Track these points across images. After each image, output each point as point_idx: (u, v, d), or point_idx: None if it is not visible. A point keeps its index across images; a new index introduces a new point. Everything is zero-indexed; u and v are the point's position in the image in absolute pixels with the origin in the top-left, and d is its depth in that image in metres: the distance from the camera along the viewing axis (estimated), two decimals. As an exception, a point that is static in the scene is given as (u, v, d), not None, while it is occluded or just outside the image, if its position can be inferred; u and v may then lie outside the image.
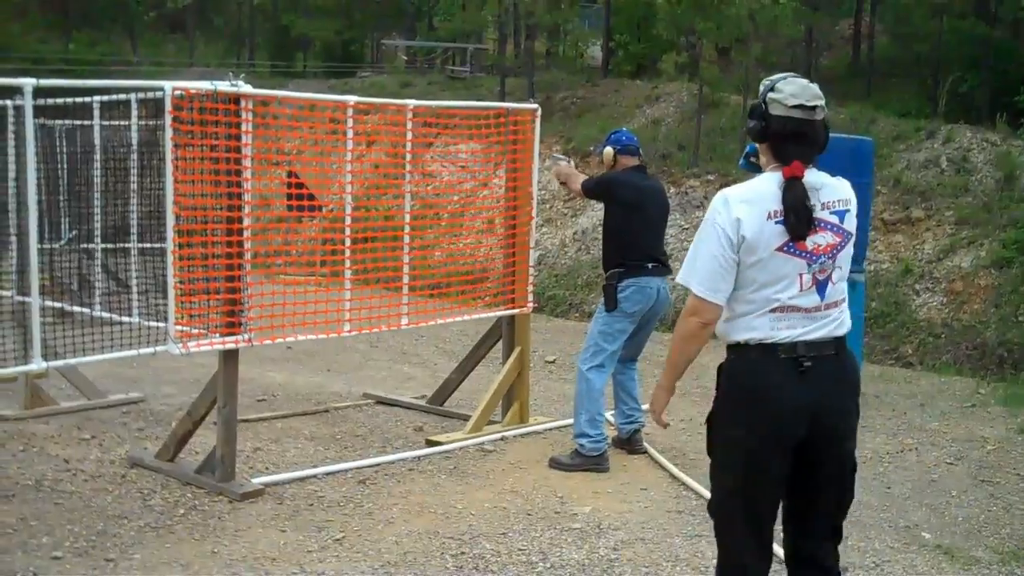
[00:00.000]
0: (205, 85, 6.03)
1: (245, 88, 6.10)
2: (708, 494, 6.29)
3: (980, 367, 11.19)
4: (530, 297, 8.00)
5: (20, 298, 7.58)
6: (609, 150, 7.23)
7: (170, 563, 5.13)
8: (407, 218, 7.50)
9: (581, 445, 6.88)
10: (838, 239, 3.56)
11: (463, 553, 5.39)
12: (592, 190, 7.32)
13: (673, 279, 7.21)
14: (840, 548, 5.64)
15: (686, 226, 15.15)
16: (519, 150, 7.93)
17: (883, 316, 12.31)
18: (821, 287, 3.54)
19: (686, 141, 17.14)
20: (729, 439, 3.56)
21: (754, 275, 3.49)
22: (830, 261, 3.55)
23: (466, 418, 7.80)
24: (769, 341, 3.50)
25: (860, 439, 8.06)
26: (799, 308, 3.51)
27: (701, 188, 15.50)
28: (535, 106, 7.99)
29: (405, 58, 34.00)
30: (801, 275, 3.51)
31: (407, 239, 7.53)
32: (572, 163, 7.80)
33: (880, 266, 13.07)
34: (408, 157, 7.45)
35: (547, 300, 14.53)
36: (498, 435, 7.59)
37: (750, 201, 3.48)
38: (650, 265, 6.99)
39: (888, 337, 12.03)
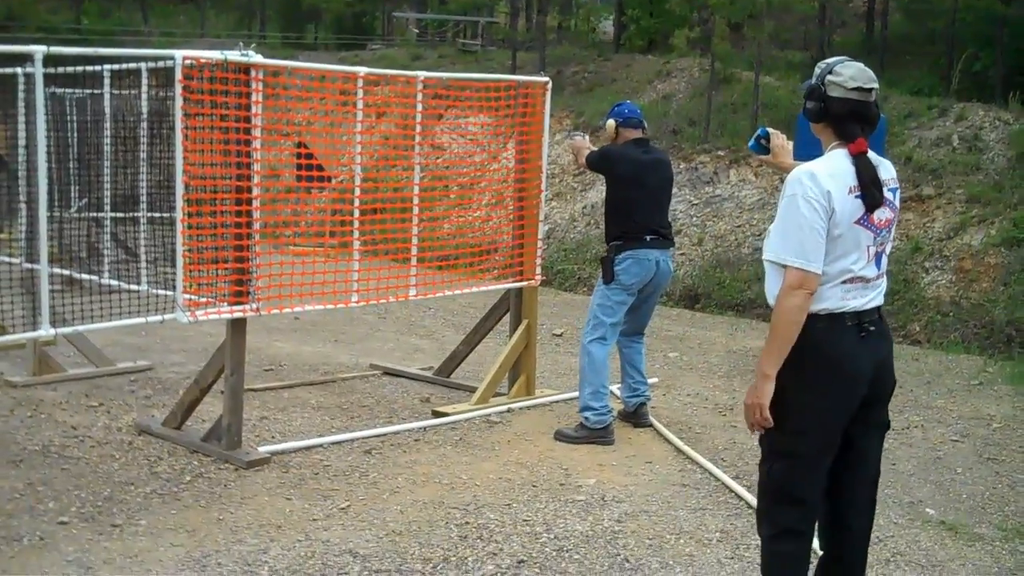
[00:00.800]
0: (215, 55, 6.02)
1: (255, 58, 6.09)
2: (713, 468, 6.36)
3: (988, 345, 11.17)
4: (538, 270, 8.01)
5: (29, 265, 7.61)
6: (611, 123, 7.26)
7: (176, 529, 5.16)
8: (416, 190, 7.49)
9: (586, 418, 6.90)
10: (892, 215, 3.79)
11: (467, 523, 5.42)
12: (594, 163, 7.35)
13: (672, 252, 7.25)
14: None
15: (696, 201, 15.12)
16: (529, 123, 7.91)
17: (891, 293, 12.26)
18: (878, 259, 3.77)
19: (697, 117, 17.07)
20: (806, 405, 3.70)
21: (833, 247, 3.64)
22: (887, 234, 3.79)
23: (472, 390, 7.81)
24: (839, 311, 3.68)
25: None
26: (864, 279, 3.72)
27: (711, 164, 15.46)
28: (546, 79, 7.96)
29: (416, 31, 33.84)
30: (868, 247, 3.71)
31: (416, 211, 7.53)
32: (588, 139, 7.80)
33: (890, 244, 13.04)
34: (418, 129, 7.44)
35: (556, 274, 14.52)
36: (504, 407, 7.61)
37: (834, 176, 3.64)
38: (648, 237, 6.99)
39: (896, 315, 12.00)
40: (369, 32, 36.60)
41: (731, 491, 6.09)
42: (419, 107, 7.37)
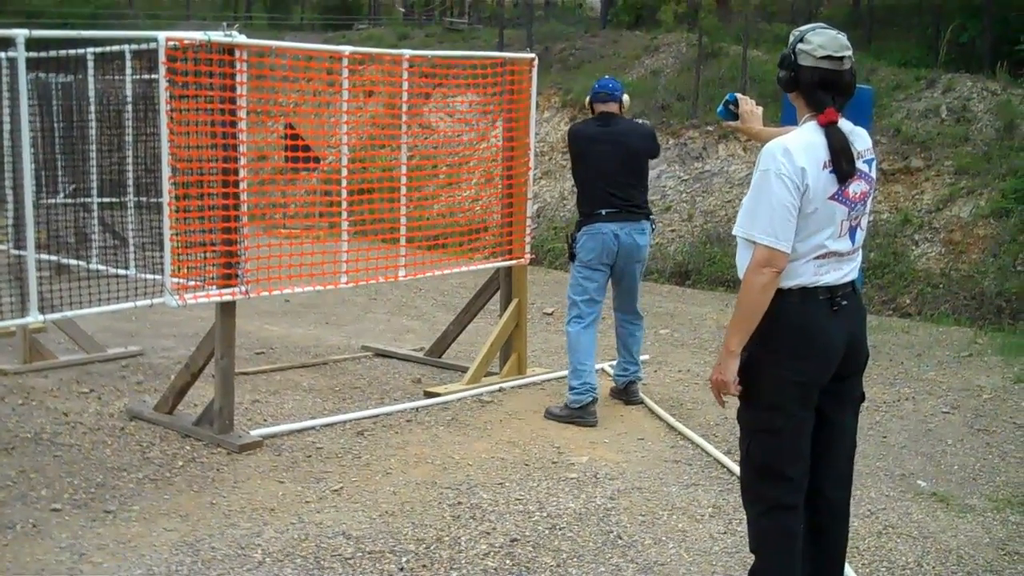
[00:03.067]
0: (199, 36, 5.98)
1: (239, 38, 6.05)
2: (705, 444, 6.37)
3: (978, 317, 11.19)
4: (528, 249, 8.00)
5: (16, 252, 7.58)
6: (587, 100, 7.31)
7: (169, 514, 5.16)
8: (404, 169, 7.47)
9: (567, 397, 6.93)
10: (868, 187, 3.73)
11: (460, 503, 5.42)
12: None
13: (653, 223, 7.20)
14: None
15: (685, 177, 15.09)
16: (516, 100, 7.89)
17: (881, 266, 12.28)
18: (852, 233, 3.72)
19: (685, 92, 17.01)
20: (780, 378, 3.67)
21: (806, 223, 3.60)
22: (862, 207, 3.73)
23: (464, 370, 7.82)
24: (811, 285, 3.66)
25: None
26: (838, 253, 3.68)
27: (700, 139, 15.42)
28: (532, 56, 7.94)
29: (403, 10, 33.73)
30: (842, 222, 3.66)
31: (404, 191, 7.51)
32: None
33: (879, 216, 13.03)
34: (404, 108, 7.41)
35: (546, 253, 14.50)
36: (496, 386, 7.61)
37: (807, 151, 3.57)
38: (604, 211, 6.97)
39: (886, 287, 12.01)
40: (355, 12, 36.42)
41: (723, 466, 6.10)
42: (405, 86, 7.34)
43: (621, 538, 5.04)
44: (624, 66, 19.21)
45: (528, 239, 8.02)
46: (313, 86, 7.75)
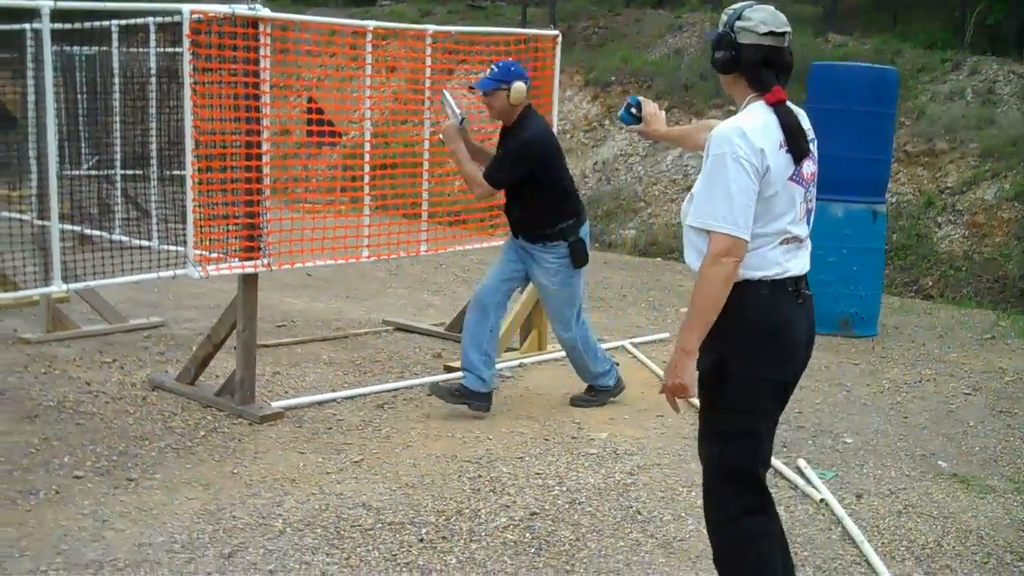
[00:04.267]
0: (223, 9, 5.97)
1: (263, 12, 6.05)
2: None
3: (1000, 300, 11.14)
4: (549, 225, 7.97)
5: (40, 222, 7.62)
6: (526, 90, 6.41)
7: (191, 483, 5.19)
8: (426, 145, 7.46)
9: (601, 383, 6.85)
10: (815, 167, 3.53)
11: (480, 476, 5.44)
12: None
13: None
14: (856, 475, 5.70)
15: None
16: (540, 78, 7.86)
17: (904, 248, 12.23)
18: (808, 216, 3.52)
19: (708, 72, 16.92)
20: (754, 378, 3.42)
21: (768, 207, 3.37)
22: (814, 190, 3.54)
23: (484, 345, 7.81)
24: (781, 277, 3.42)
25: (879, 368, 8.09)
26: (799, 238, 3.48)
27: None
28: (556, 32, 7.92)
29: (425, -14, 33.55)
30: (800, 204, 3.46)
31: (426, 166, 7.50)
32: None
33: (902, 198, 12.96)
34: (428, 84, 7.40)
35: (566, 230, 14.48)
36: (516, 362, 7.62)
37: (763, 132, 3.35)
38: (583, 213, 6.64)
39: (909, 269, 11.96)
40: (379, -12, 36.30)
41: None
42: (428, 61, 7.33)
43: (640, 513, 5.05)
44: (647, 45, 19.15)
45: (550, 216, 8.00)
46: (336, 60, 7.76)
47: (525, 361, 7.67)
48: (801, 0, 23.06)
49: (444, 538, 4.68)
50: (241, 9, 5.96)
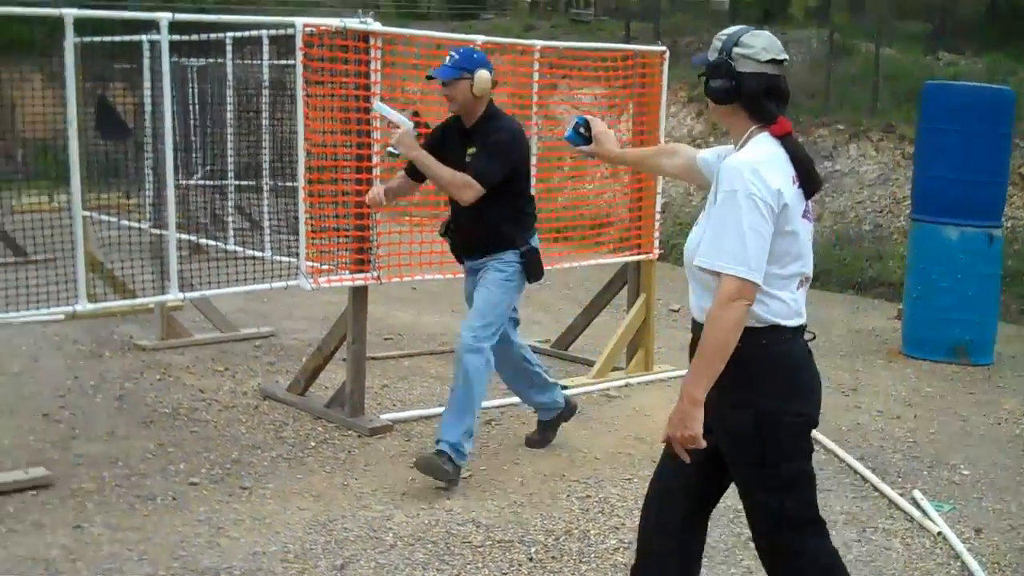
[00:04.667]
0: (335, 22, 6.05)
1: (374, 26, 6.10)
2: (837, 449, 6.23)
3: None
4: (656, 243, 7.92)
5: (156, 231, 7.79)
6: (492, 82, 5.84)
7: (302, 493, 5.24)
8: (533, 160, 7.45)
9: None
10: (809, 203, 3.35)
11: (588, 496, 5.39)
12: None
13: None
14: (975, 508, 5.53)
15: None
16: (647, 94, 7.81)
17: (1020, 274, 11.88)
18: (811, 253, 3.35)
19: (815, 89, 16.69)
20: (797, 422, 3.31)
21: (787, 247, 3.19)
22: (812, 226, 3.36)
23: (590, 363, 7.78)
24: (800, 321, 3.30)
25: (996, 398, 7.84)
26: (809, 279, 3.34)
27: (831, 137, 15.11)
28: (663, 48, 7.87)
29: (528, 1, 33.74)
30: (808, 242, 3.30)
31: (532, 182, 7.48)
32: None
33: (1018, 223, 12.60)
34: (535, 99, 7.39)
35: (671, 249, 14.36)
36: (622, 381, 7.56)
37: (777, 168, 3.15)
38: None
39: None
40: (481, 2, 36.57)
41: (856, 472, 5.96)
42: (535, 76, 7.32)
43: (752, 541, 4.94)
44: (753, 61, 18.93)
45: (656, 234, 7.95)
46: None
47: (632, 381, 7.60)
48: (909, 16, 22.64)
49: (554, 558, 4.65)
50: (353, 23, 6.02)
